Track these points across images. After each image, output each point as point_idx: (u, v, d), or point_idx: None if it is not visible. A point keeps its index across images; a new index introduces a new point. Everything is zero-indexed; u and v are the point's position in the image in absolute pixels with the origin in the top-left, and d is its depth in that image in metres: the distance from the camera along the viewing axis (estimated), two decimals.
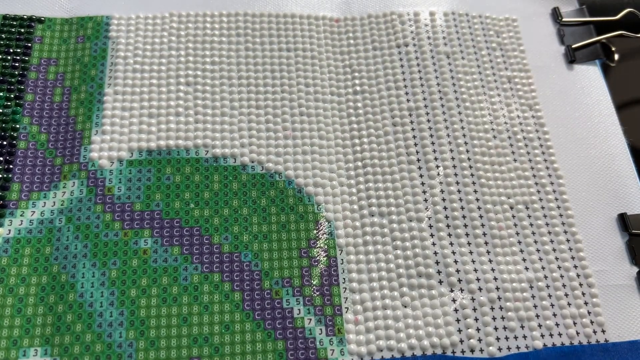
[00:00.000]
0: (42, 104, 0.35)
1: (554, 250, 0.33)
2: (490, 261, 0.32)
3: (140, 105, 0.35)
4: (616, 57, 0.41)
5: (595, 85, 0.39)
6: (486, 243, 0.32)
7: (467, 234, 0.33)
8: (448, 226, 0.33)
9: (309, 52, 0.38)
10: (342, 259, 0.31)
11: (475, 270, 0.32)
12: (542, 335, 0.30)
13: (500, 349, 0.30)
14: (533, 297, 0.31)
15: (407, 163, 0.34)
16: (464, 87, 0.37)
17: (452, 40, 0.39)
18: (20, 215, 0.31)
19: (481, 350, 0.30)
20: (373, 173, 0.34)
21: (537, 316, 0.31)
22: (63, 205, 0.32)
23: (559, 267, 0.32)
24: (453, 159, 0.35)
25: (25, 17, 0.37)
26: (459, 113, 0.36)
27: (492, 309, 0.31)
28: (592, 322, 0.31)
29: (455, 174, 0.34)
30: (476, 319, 0.30)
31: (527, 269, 0.32)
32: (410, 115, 0.36)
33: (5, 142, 0.33)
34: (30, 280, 0.30)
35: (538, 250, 0.32)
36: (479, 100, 0.37)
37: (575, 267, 0.32)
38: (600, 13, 0.42)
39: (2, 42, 0.36)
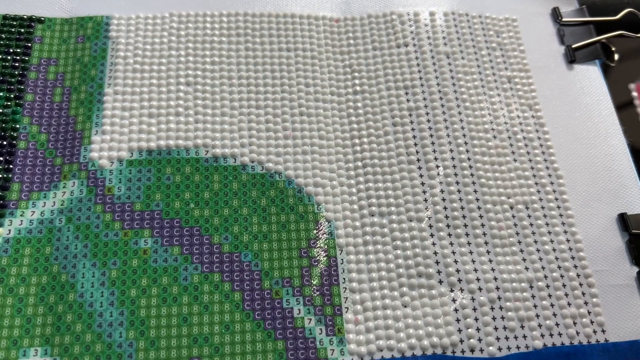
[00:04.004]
0: (42, 104, 0.35)
1: (554, 250, 0.33)
2: (490, 261, 0.32)
3: (140, 105, 0.35)
4: (616, 57, 0.41)
5: (595, 85, 0.39)
6: (486, 243, 0.32)
7: (467, 234, 0.33)
8: (448, 226, 0.33)
9: (309, 52, 0.38)
10: (342, 259, 0.31)
11: (475, 270, 0.32)
12: (542, 335, 0.30)
13: (500, 349, 0.30)
14: (533, 297, 0.31)
15: (407, 163, 0.34)
16: (464, 87, 0.37)
17: (452, 40, 0.39)
18: (20, 215, 0.31)
19: (481, 350, 0.30)
20: (373, 173, 0.34)
21: (537, 316, 0.31)
22: (63, 205, 0.32)
23: (559, 267, 0.32)
24: (453, 159, 0.35)
25: (25, 17, 0.37)
26: (459, 113, 0.36)
27: (492, 308, 0.31)
28: (592, 322, 0.31)
29: (455, 174, 0.34)
30: (476, 319, 0.30)
31: (527, 268, 0.32)
32: (410, 115, 0.36)
33: (5, 142, 0.33)
34: (30, 280, 0.30)
35: (538, 250, 0.32)
36: (479, 100, 0.37)
37: (575, 267, 0.32)
38: (600, 13, 0.42)
39: (2, 42, 0.36)
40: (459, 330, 0.30)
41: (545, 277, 0.32)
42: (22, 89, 0.35)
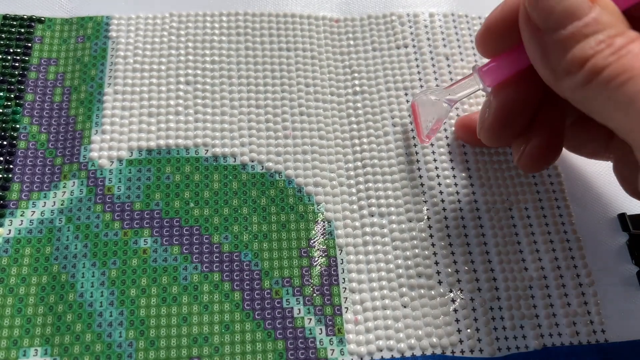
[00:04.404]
0: (42, 103, 0.35)
1: (554, 250, 0.33)
2: (490, 261, 0.32)
3: (140, 104, 0.35)
4: None
5: None
6: (485, 243, 0.32)
7: (466, 235, 0.33)
8: (447, 227, 0.33)
9: (309, 52, 0.38)
10: (341, 259, 0.31)
11: (475, 270, 0.32)
12: (542, 335, 0.30)
13: (499, 349, 0.30)
14: (532, 296, 0.31)
15: (407, 163, 0.34)
16: None
17: (451, 42, 0.39)
18: (21, 215, 0.31)
19: (481, 350, 0.30)
20: (373, 173, 0.34)
21: (537, 316, 0.31)
22: (63, 205, 0.32)
23: (559, 267, 0.32)
24: (452, 160, 0.35)
25: (25, 17, 0.37)
26: (457, 115, 0.36)
27: (492, 308, 0.31)
28: (591, 322, 0.31)
29: (454, 176, 0.34)
30: (475, 319, 0.30)
31: (526, 269, 0.32)
32: (409, 115, 0.36)
33: (5, 142, 0.33)
34: (30, 280, 0.30)
35: (537, 250, 0.32)
36: (478, 103, 0.37)
37: (575, 266, 0.32)
38: None
39: (2, 42, 0.36)
40: (459, 331, 0.30)
41: (545, 277, 0.32)
42: (22, 89, 0.35)
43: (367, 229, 0.32)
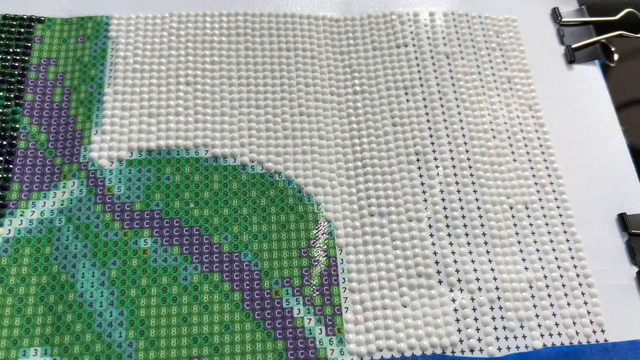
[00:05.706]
0: (42, 103, 0.35)
1: (554, 250, 0.33)
2: (490, 261, 0.32)
3: (140, 105, 0.35)
4: (616, 57, 0.41)
5: (594, 86, 0.39)
6: (486, 243, 0.32)
7: (466, 234, 0.33)
8: (447, 226, 0.33)
9: (309, 52, 0.38)
10: (341, 259, 0.32)
11: (475, 270, 0.32)
12: (542, 335, 0.30)
13: (499, 349, 0.30)
14: (532, 297, 0.31)
15: (407, 163, 0.34)
16: (464, 87, 0.37)
17: (451, 41, 0.39)
18: (20, 215, 0.31)
19: (481, 350, 0.30)
20: (373, 173, 0.34)
21: (537, 316, 0.31)
22: (63, 205, 0.32)
23: (559, 267, 0.32)
24: (453, 159, 0.35)
25: (25, 17, 0.37)
26: (459, 113, 0.36)
27: (492, 308, 0.31)
28: (591, 322, 0.31)
29: (455, 174, 0.34)
30: (476, 319, 0.30)
31: (526, 268, 0.32)
32: (409, 117, 0.36)
33: (5, 142, 0.33)
34: (30, 280, 0.30)
35: (538, 250, 0.33)
36: (479, 101, 0.37)
37: (575, 267, 0.32)
38: (600, 13, 0.42)
39: (2, 42, 0.36)
40: (459, 330, 0.30)
41: (545, 277, 0.32)
42: (22, 89, 0.35)
43: (367, 229, 0.32)
